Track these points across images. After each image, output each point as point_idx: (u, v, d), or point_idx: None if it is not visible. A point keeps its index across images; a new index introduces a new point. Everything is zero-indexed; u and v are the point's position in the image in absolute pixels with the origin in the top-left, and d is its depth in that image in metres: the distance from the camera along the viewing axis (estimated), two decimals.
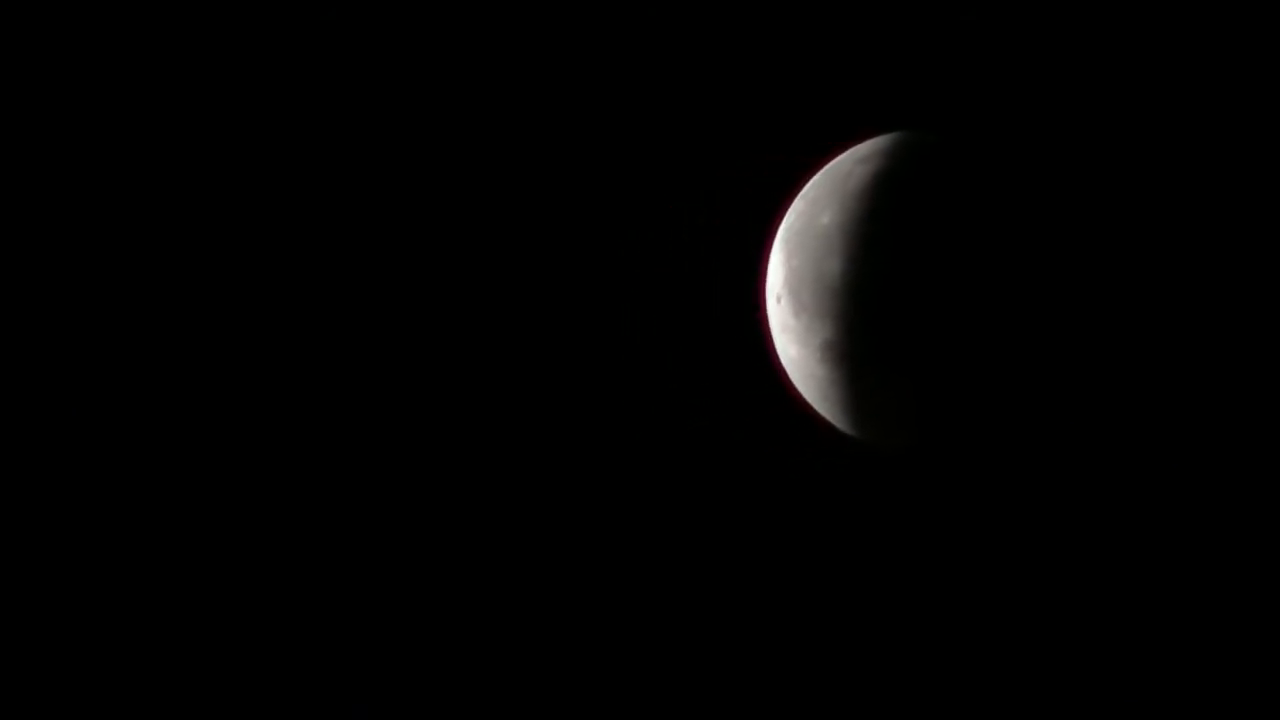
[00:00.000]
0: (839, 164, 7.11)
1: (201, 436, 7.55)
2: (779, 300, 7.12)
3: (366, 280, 7.63)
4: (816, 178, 7.19)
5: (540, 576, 7.68)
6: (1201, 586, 7.46)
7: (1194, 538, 7.48)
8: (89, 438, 7.45)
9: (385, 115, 7.64)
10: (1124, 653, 7.47)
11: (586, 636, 7.60)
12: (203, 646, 7.45)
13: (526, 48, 7.68)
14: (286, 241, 7.66)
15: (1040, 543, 7.53)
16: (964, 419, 6.75)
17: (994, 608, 7.53)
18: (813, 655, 7.57)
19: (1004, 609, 7.52)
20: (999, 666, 7.46)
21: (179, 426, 7.54)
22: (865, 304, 6.69)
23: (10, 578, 7.38)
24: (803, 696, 7.49)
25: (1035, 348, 6.63)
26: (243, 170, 7.66)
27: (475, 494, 7.65)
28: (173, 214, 7.63)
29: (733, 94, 7.83)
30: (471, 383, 7.68)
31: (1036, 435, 6.91)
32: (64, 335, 7.49)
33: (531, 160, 7.82)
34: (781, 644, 7.61)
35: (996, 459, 7.13)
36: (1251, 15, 7.40)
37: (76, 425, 7.42)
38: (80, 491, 7.44)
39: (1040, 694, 7.44)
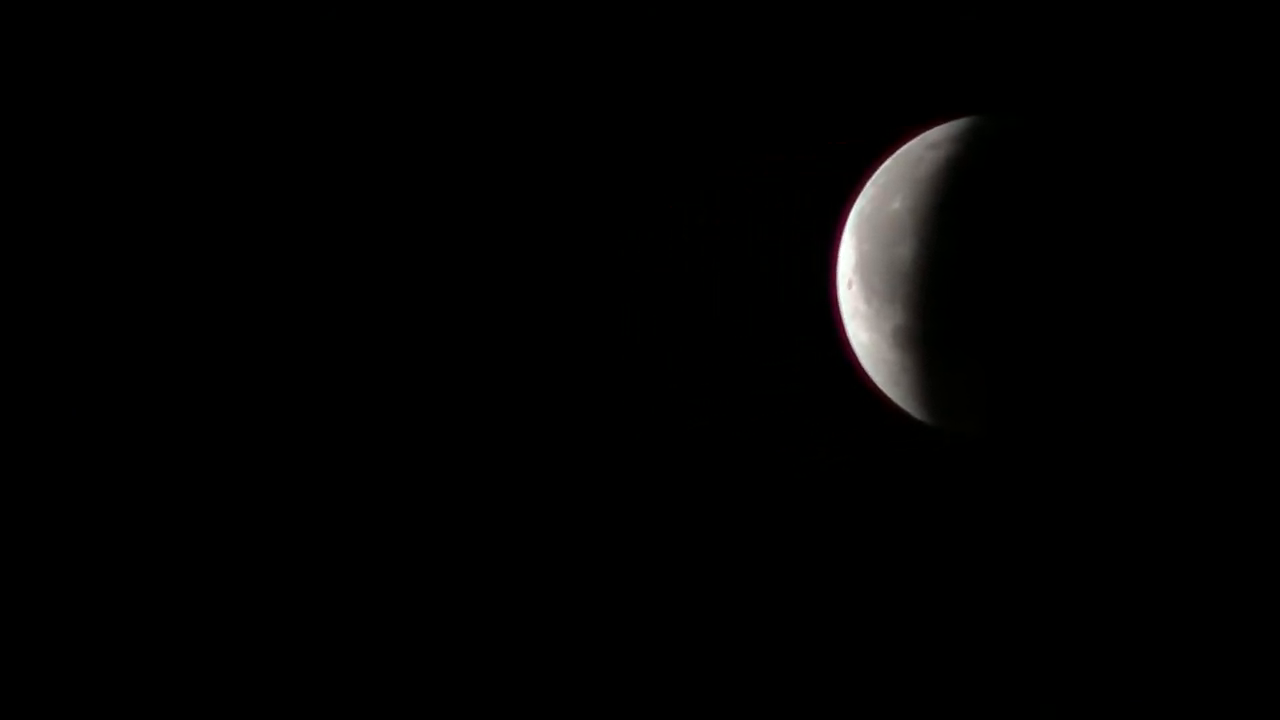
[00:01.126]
0: (910, 149, 7.10)
1: (202, 437, 7.58)
2: (850, 285, 7.12)
3: (397, 280, 7.68)
4: (888, 163, 7.18)
5: (611, 563, 7.74)
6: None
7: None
8: (89, 438, 7.50)
9: (416, 116, 7.69)
10: (1202, 643, 7.42)
11: (656, 620, 7.64)
12: (202, 647, 7.47)
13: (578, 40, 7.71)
14: (285, 242, 7.71)
15: (1113, 533, 7.48)
16: (1036, 406, 6.72)
17: (1065, 597, 7.49)
18: (883, 640, 7.58)
19: (1075, 599, 7.48)
20: (1068, 655, 7.43)
21: (179, 427, 7.58)
22: (936, 289, 6.68)
23: (10, 578, 7.42)
24: (869, 681, 7.50)
25: (1109, 335, 6.59)
26: (241, 170, 7.70)
27: (535, 487, 7.70)
28: (173, 214, 7.67)
29: (804, 79, 7.83)
30: (542, 374, 7.74)
31: (1110, 424, 6.87)
32: (64, 335, 7.54)
33: (597, 144, 7.86)
34: (853, 629, 7.62)
35: (1068, 447, 7.08)
36: None
37: (77, 425, 7.47)
38: (81, 492, 7.48)
39: (1115, 680, 7.40)
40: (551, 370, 7.79)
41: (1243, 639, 7.36)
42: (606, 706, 7.50)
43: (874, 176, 7.19)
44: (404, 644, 7.55)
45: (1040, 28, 7.54)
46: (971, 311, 6.59)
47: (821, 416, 7.76)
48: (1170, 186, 6.74)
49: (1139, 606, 7.47)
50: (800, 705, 7.51)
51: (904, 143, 7.17)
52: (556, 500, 7.65)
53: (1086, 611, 7.49)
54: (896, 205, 6.90)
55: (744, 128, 7.88)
